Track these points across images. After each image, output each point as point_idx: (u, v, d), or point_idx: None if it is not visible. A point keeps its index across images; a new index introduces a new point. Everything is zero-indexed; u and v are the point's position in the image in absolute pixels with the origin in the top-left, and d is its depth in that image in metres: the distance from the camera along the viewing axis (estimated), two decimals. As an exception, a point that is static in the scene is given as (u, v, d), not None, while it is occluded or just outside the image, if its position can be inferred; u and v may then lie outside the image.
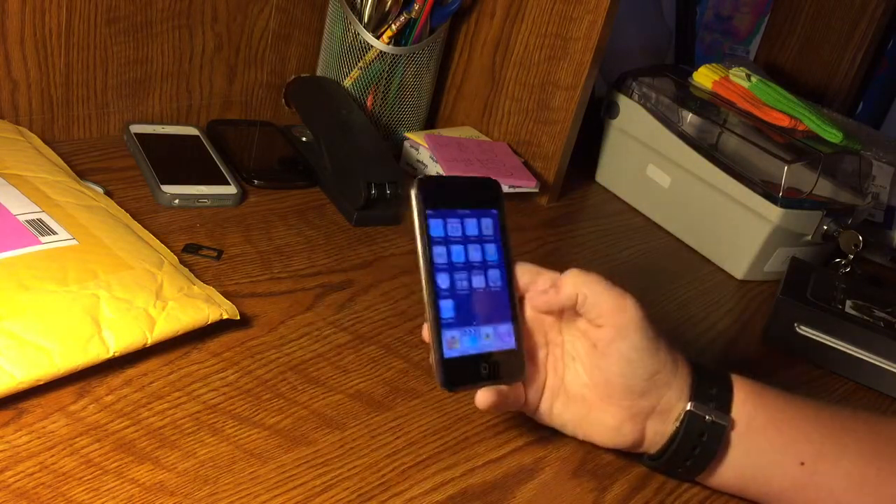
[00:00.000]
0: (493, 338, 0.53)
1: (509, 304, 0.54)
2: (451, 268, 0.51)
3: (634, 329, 0.52)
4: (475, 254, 0.52)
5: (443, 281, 0.50)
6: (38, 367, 0.50)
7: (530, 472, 0.56)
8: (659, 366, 0.53)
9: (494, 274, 0.53)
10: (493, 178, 0.87)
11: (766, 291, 0.92)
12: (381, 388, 0.60)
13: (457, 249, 0.51)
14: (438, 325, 0.50)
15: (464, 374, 0.51)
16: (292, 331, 0.63)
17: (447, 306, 0.51)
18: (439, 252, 0.50)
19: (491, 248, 0.53)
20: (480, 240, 0.53)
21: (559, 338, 0.56)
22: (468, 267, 0.52)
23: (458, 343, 0.51)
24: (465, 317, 0.51)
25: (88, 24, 0.77)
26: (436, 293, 0.50)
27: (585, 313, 0.53)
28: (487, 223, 0.53)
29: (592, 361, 0.54)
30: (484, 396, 0.52)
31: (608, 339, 0.52)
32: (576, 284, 0.52)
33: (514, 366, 0.53)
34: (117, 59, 0.80)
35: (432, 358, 0.50)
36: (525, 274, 0.54)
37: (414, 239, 0.50)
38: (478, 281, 0.52)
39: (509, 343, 0.53)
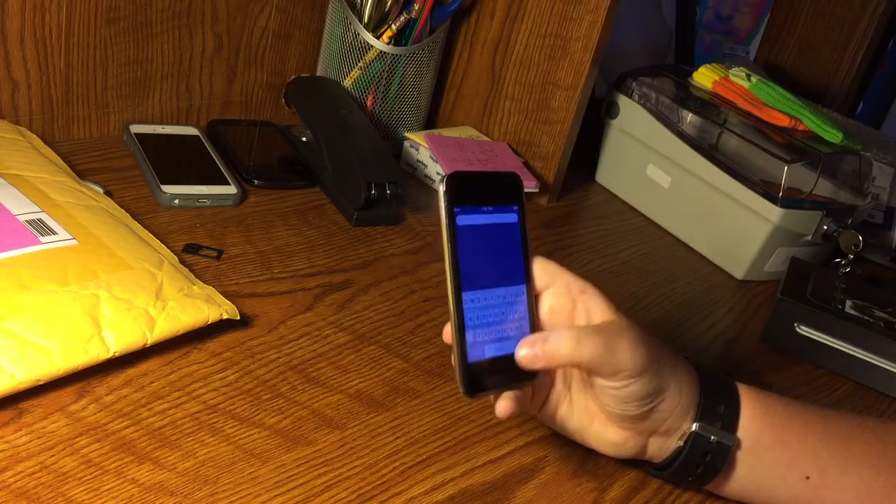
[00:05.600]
0: (512, 340, 0.51)
1: (527, 304, 0.52)
2: (475, 268, 0.49)
3: (633, 381, 0.50)
4: (498, 252, 0.50)
5: (468, 283, 0.48)
6: (38, 367, 0.50)
7: (530, 472, 0.56)
8: (659, 398, 0.52)
9: (515, 272, 0.51)
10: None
11: (766, 291, 0.92)
12: (381, 388, 0.60)
13: (481, 249, 0.49)
14: (462, 330, 0.48)
15: (485, 379, 0.49)
16: (292, 331, 0.63)
17: (471, 309, 0.49)
18: (465, 253, 0.48)
19: (512, 246, 0.51)
20: (503, 237, 0.50)
21: None
22: (491, 266, 0.50)
23: (481, 347, 0.49)
24: (488, 319, 0.49)
25: (88, 24, 0.77)
26: (460, 295, 0.48)
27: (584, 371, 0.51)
28: (510, 219, 0.51)
29: (592, 390, 0.53)
30: (504, 406, 0.50)
31: (604, 386, 0.51)
32: (572, 354, 0.49)
33: (529, 370, 0.52)
34: (117, 59, 0.80)
35: (454, 362, 0.49)
36: (544, 274, 0.52)
37: (440, 238, 0.48)
38: (500, 280, 0.50)
39: None
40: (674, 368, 0.53)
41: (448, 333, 0.50)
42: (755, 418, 0.54)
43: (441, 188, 0.48)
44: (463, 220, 0.48)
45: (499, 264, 0.50)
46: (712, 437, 0.53)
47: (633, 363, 0.49)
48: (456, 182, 0.48)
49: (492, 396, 0.51)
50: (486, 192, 0.50)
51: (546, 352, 0.49)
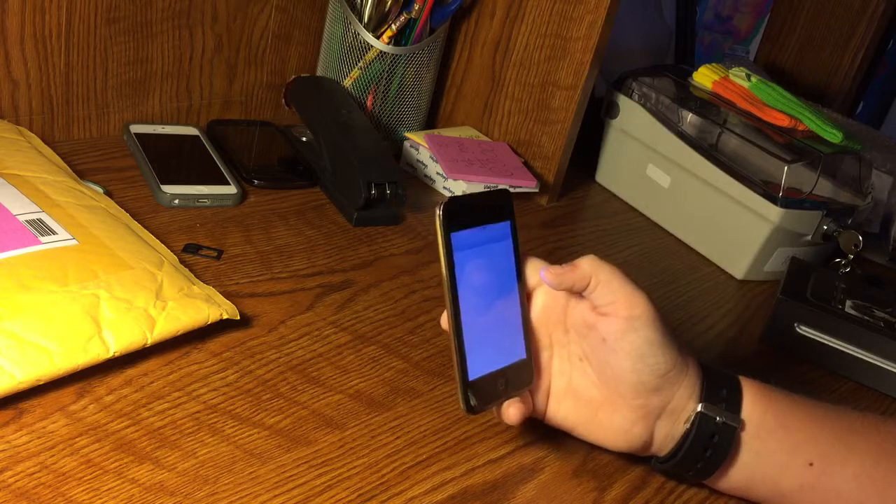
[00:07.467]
0: (507, 351, 0.52)
1: (520, 312, 0.53)
2: (472, 288, 0.50)
3: (646, 322, 0.51)
4: (492, 269, 0.51)
5: (466, 303, 0.49)
6: (38, 367, 0.50)
7: (530, 472, 0.56)
8: (671, 362, 0.52)
9: (508, 284, 0.52)
10: (494, 178, 0.89)
11: (766, 291, 0.92)
12: (381, 388, 0.60)
13: (477, 268, 0.50)
14: (462, 349, 0.49)
15: (485, 394, 0.51)
16: (292, 331, 0.63)
17: (470, 328, 0.50)
18: (462, 274, 0.49)
19: (505, 261, 0.52)
20: (496, 254, 0.52)
21: (565, 338, 0.55)
22: (487, 284, 0.51)
23: (480, 364, 0.50)
24: (486, 335, 0.51)
25: (88, 24, 0.77)
26: (459, 316, 0.49)
27: (595, 298, 0.52)
28: (503, 235, 0.52)
29: (602, 358, 0.53)
30: (512, 412, 0.52)
31: (620, 331, 0.52)
32: (592, 267, 0.52)
33: (524, 375, 0.53)
34: (117, 59, 0.80)
35: (457, 379, 0.50)
36: (535, 272, 0.54)
37: (438, 261, 0.49)
38: (495, 295, 0.51)
39: (520, 353, 0.53)
40: (678, 343, 0.54)
41: (445, 321, 0.51)
42: (757, 402, 0.54)
43: (438, 214, 0.48)
44: (459, 244, 0.49)
45: (494, 278, 0.51)
46: (718, 418, 0.53)
47: (648, 300, 0.52)
48: (452, 207, 0.49)
49: (494, 409, 0.53)
50: (479, 213, 0.51)
51: (573, 264, 0.52)
